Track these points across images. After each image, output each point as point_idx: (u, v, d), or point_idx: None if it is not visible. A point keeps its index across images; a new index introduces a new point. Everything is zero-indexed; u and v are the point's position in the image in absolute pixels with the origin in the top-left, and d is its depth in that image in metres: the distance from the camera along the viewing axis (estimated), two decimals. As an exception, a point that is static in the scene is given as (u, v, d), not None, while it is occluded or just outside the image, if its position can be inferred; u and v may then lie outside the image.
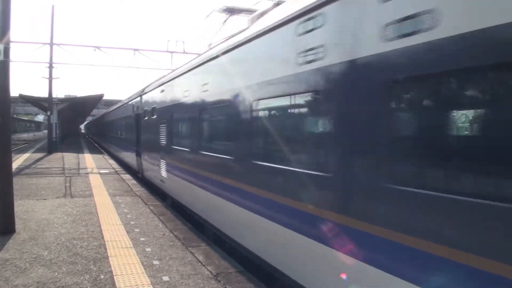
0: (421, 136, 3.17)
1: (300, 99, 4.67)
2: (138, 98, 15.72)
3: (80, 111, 51.68)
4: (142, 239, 6.76)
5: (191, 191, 8.31)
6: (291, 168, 4.53)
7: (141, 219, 8.23)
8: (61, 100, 31.25)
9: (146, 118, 13.60)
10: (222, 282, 4.94)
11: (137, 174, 15.63)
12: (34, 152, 27.61)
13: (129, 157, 17.97)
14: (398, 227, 3.09)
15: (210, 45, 9.30)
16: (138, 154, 15.29)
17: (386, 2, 3.22)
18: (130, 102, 18.59)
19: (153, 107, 12.45)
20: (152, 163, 12.58)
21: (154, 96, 12.62)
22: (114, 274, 5.12)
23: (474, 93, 2.89)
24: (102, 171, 16.98)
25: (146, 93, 14.30)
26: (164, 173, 10.69)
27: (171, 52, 27.47)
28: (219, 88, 6.91)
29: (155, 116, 12.16)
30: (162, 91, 11.50)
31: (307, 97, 4.52)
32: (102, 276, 5.04)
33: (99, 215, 8.47)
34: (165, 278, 5.02)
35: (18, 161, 20.08)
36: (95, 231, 7.20)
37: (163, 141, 10.87)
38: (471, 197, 2.58)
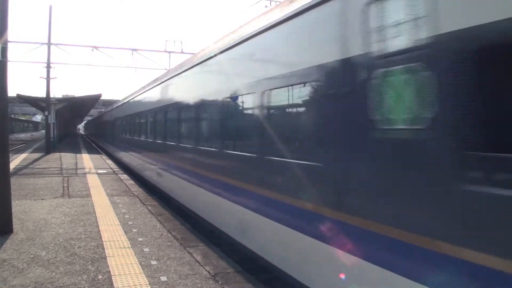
0: None
1: None
2: None
3: (78, 111, 51.62)
4: (140, 239, 6.75)
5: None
6: None
7: (139, 219, 8.23)
8: (59, 100, 31.09)
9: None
10: (220, 282, 4.94)
11: None
12: (31, 152, 27.53)
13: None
14: None
15: None
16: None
17: None
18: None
19: None
20: None
21: None
22: (112, 274, 5.12)
23: None
24: (100, 171, 16.95)
25: None
26: None
27: (169, 52, 27.51)
28: None
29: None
30: None
31: None
32: (100, 276, 5.03)
33: (97, 215, 8.46)
34: (163, 278, 5.02)
35: (15, 161, 20.03)
36: (93, 231, 7.19)
37: None
38: None
